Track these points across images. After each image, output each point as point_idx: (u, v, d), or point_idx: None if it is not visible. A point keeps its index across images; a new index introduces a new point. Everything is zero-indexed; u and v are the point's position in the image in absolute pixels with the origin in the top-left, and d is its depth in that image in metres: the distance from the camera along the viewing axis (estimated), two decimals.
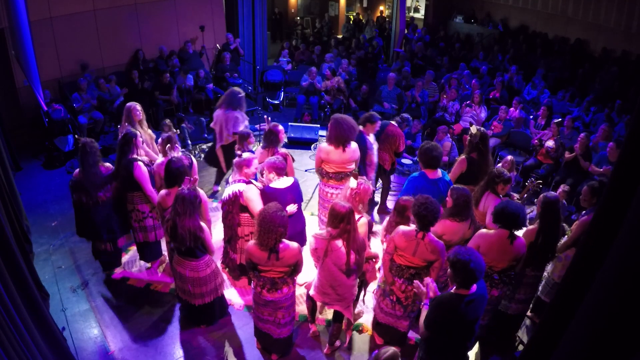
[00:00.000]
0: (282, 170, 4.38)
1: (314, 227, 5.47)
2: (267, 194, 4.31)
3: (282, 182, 4.40)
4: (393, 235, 3.70)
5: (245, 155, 4.53)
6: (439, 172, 4.63)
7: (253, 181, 4.49)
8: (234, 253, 4.68)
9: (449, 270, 3.01)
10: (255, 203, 4.26)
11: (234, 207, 4.40)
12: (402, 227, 3.72)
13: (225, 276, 4.80)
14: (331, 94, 9.34)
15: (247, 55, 10.73)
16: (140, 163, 4.60)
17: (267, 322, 3.84)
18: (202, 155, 7.89)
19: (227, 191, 4.41)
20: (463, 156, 4.92)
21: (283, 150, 5.03)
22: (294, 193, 4.47)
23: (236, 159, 4.50)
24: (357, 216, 3.93)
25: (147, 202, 4.74)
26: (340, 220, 3.51)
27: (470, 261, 2.85)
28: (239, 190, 4.33)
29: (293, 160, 5.14)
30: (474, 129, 4.88)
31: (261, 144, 5.11)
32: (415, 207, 3.53)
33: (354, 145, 4.99)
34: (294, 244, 3.59)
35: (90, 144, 4.53)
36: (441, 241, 3.64)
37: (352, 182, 4.03)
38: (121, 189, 4.73)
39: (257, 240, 3.50)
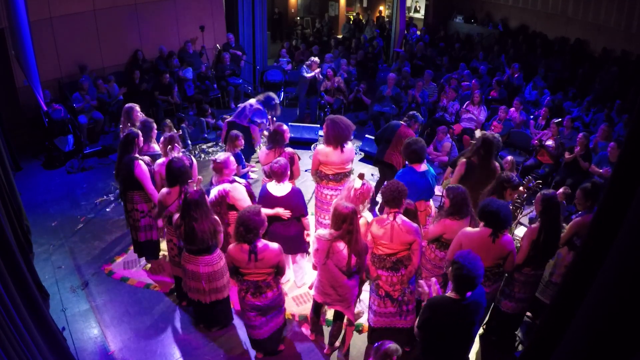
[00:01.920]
0: (280, 175, 4.32)
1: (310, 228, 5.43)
2: (263, 193, 4.34)
3: (280, 189, 4.35)
4: (368, 227, 3.75)
5: (220, 156, 4.44)
6: (425, 165, 4.65)
7: (237, 179, 4.48)
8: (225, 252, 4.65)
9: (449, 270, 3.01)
10: (244, 202, 4.27)
11: (222, 207, 4.37)
12: (375, 218, 3.78)
13: None
14: (331, 94, 9.33)
15: (247, 55, 10.74)
16: (140, 162, 4.64)
17: (255, 328, 3.83)
18: (202, 156, 7.90)
19: (212, 193, 4.38)
20: (463, 159, 4.88)
21: (289, 149, 5.02)
22: (288, 202, 4.35)
23: (212, 164, 4.44)
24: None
25: (147, 201, 4.76)
26: (342, 221, 3.51)
27: (463, 267, 2.84)
28: (224, 190, 4.32)
29: (299, 158, 5.13)
30: (478, 133, 4.83)
31: (266, 145, 5.09)
32: (383, 189, 3.66)
33: (349, 144, 5.00)
34: (274, 245, 3.57)
35: (148, 122, 5.18)
36: (443, 240, 3.66)
37: (357, 183, 4.02)
38: (122, 188, 4.75)
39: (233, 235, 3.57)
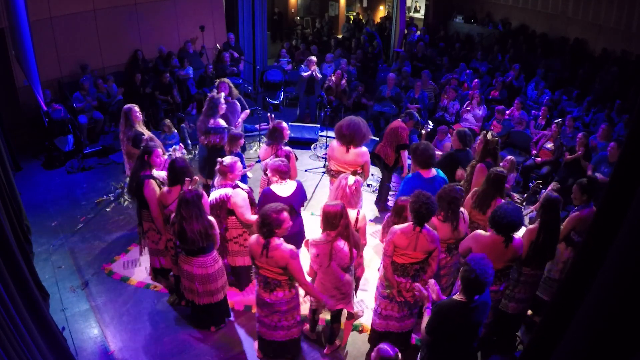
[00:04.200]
0: (285, 173, 4.32)
1: (314, 226, 5.43)
2: (267, 196, 4.28)
3: (284, 189, 4.34)
4: (391, 237, 3.68)
5: (227, 160, 4.37)
6: (434, 170, 4.61)
7: (240, 184, 4.47)
8: (224, 257, 4.59)
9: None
10: (244, 209, 4.24)
11: (221, 211, 4.34)
12: (398, 226, 3.72)
13: None
14: (334, 94, 9.30)
15: (247, 55, 10.74)
16: (152, 181, 4.34)
17: (264, 325, 3.84)
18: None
19: (214, 195, 4.33)
20: (480, 164, 4.69)
21: (286, 148, 5.02)
22: (295, 200, 4.37)
23: (218, 166, 4.35)
24: (354, 211, 3.99)
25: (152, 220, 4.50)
26: (340, 218, 3.54)
27: (473, 271, 2.82)
28: (225, 194, 4.29)
29: (296, 158, 5.13)
30: (489, 135, 4.73)
31: (265, 141, 5.13)
32: (415, 204, 3.53)
33: (362, 149, 4.91)
34: (287, 247, 3.52)
35: (215, 99, 5.47)
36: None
37: (351, 179, 4.04)
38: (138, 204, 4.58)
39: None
